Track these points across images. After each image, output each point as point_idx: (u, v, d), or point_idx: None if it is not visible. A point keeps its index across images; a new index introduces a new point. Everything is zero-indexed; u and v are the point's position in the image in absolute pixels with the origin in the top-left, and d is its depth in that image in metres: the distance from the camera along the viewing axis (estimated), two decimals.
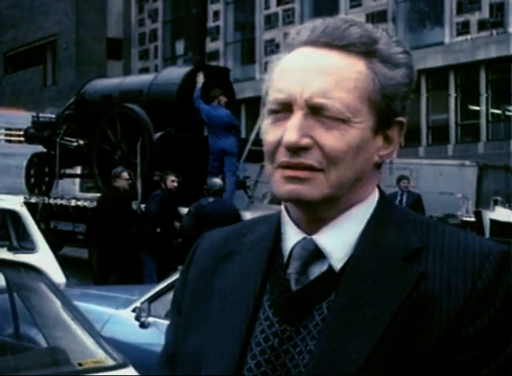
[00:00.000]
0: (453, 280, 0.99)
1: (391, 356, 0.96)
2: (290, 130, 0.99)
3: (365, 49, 1.02)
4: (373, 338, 0.97)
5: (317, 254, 1.04)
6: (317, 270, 1.04)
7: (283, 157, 1.01)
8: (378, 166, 1.06)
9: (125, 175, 8.98)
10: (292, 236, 1.06)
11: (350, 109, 1.00)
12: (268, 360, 1.02)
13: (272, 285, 1.06)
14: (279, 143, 1.02)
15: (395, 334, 0.97)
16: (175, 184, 8.88)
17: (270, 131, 1.03)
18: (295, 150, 1.00)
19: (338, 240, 1.04)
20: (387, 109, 1.03)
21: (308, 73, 1.01)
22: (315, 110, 1.00)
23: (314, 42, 1.03)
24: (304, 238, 1.05)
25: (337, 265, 1.03)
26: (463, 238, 1.03)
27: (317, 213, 1.04)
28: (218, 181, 8.56)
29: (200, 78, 9.98)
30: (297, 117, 1.00)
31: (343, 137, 1.00)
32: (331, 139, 1.00)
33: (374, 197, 1.07)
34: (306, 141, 1.00)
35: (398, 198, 10.64)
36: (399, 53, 1.04)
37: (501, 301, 0.98)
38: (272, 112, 1.03)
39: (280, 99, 1.02)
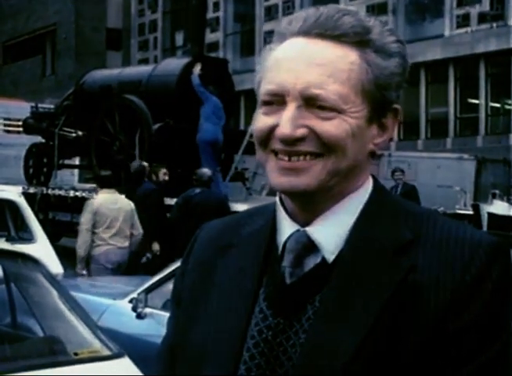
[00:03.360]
0: (442, 272, 0.99)
1: (380, 349, 0.97)
2: (285, 122, 0.99)
3: (359, 39, 1.01)
4: (361, 331, 0.97)
5: (310, 247, 1.04)
6: (311, 263, 1.04)
7: (277, 144, 1.01)
8: (372, 155, 1.06)
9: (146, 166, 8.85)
10: (286, 228, 1.06)
11: (344, 100, 1.00)
12: (262, 353, 1.02)
13: (267, 278, 1.06)
14: (271, 131, 1.01)
15: (383, 327, 0.97)
16: (166, 177, 8.83)
17: (262, 120, 1.03)
18: (290, 141, 1.00)
19: (331, 232, 1.04)
20: (382, 98, 1.03)
21: (301, 64, 1.00)
22: (309, 101, 1.00)
23: (306, 33, 1.02)
24: (298, 230, 1.05)
25: (330, 257, 1.03)
26: (454, 229, 1.03)
27: (311, 203, 1.04)
28: (207, 171, 8.51)
29: (197, 69, 9.97)
30: (290, 109, 1.00)
31: (339, 125, 1.00)
32: (328, 126, 0.99)
33: (368, 187, 1.07)
34: (301, 131, 1.00)
35: (393, 191, 10.68)
36: (392, 43, 1.04)
37: (490, 294, 0.98)
38: (265, 103, 1.03)
39: (273, 90, 1.01)
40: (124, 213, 7.24)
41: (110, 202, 7.23)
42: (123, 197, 7.58)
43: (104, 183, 7.60)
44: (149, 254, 8.06)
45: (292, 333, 1.02)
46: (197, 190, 8.08)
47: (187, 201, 8.01)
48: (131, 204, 7.42)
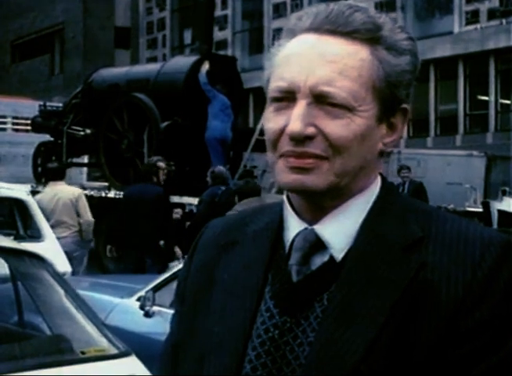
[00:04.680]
0: (453, 270, 0.97)
1: (391, 347, 0.95)
2: (294, 119, 0.98)
3: (370, 36, 1.00)
4: (372, 330, 0.96)
5: (318, 245, 1.03)
6: (318, 261, 1.03)
7: (286, 146, 1.00)
8: (381, 154, 1.05)
9: (161, 165, 8.63)
10: (294, 226, 1.05)
11: (355, 97, 0.98)
12: (268, 352, 1.01)
13: (273, 276, 1.05)
14: (281, 132, 1.00)
15: (394, 325, 0.96)
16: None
17: (272, 120, 1.02)
18: (300, 139, 0.98)
19: (339, 230, 1.02)
20: (392, 96, 1.02)
21: (311, 61, 0.99)
22: (319, 99, 0.98)
23: (317, 29, 1.01)
24: (306, 228, 1.04)
25: (339, 255, 1.02)
26: (464, 227, 1.02)
27: (319, 202, 1.03)
28: (223, 169, 8.56)
29: (205, 67, 9.98)
30: (300, 106, 0.99)
31: (348, 125, 0.98)
32: (336, 127, 0.98)
33: (376, 186, 1.05)
34: (311, 130, 0.98)
35: (400, 188, 10.65)
36: (403, 40, 1.02)
37: (501, 292, 0.97)
38: (275, 100, 1.02)
39: (283, 87, 1.00)
40: (62, 203, 7.24)
41: (49, 195, 7.30)
42: (67, 187, 7.65)
43: (49, 176, 7.71)
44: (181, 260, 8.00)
45: (299, 331, 1.00)
46: (223, 188, 8.06)
47: (213, 198, 7.99)
48: (74, 194, 7.45)
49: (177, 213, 8.87)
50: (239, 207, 6.66)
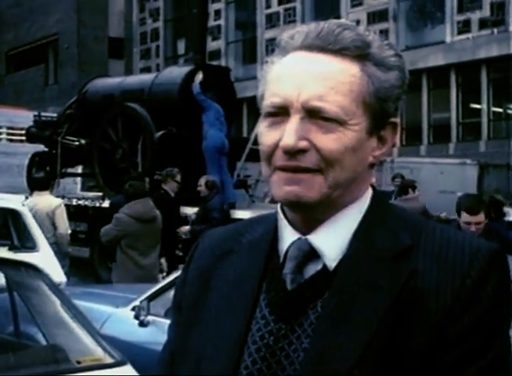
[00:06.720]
0: (442, 277, 1.00)
1: (383, 353, 0.98)
2: (288, 134, 1.01)
3: (359, 53, 1.04)
4: (365, 336, 0.98)
5: (312, 254, 1.06)
6: (312, 270, 1.05)
7: (280, 160, 1.03)
8: (372, 166, 1.08)
9: (178, 177, 8.57)
10: (288, 236, 1.08)
11: (346, 111, 1.02)
12: (264, 358, 1.03)
13: (268, 284, 1.08)
14: (276, 146, 1.03)
15: (386, 331, 0.98)
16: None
17: (267, 134, 1.05)
18: (293, 152, 1.01)
19: (332, 240, 1.05)
20: (381, 110, 1.05)
21: (303, 77, 1.03)
22: (311, 114, 1.02)
23: (308, 47, 1.05)
24: (299, 238, 1.06)
25: (332, 264, 1.05)
26: (453, 236, 1.05)
27: (312, 213, 1.06)
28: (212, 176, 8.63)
29: (199, 77, 10.00)
30: (294, 121, 1.02)
31: (339, 139, 1.02)
32: (328, 141, 1.02)
33: (367, 196, 1.09)
34: (303, 144, 1.01)
35: (394, 196, 10.60)
36: (391, 56, 1.06)
37: (489, 299, 0.99)
38: (269, 115, 1.05)
39: (277, 102, 1.04)
40: (38, 216, 7.15)
41: (30, 205, 7.27)
42: (48, 198, 7.61)
43: (33, 186, 7.71)
44: None
45: (294, 338, 1.03)
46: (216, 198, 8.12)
47: (223, 206, 8.04)
48: (51, 206, 7.39)
49: (186, 234, 8.43)
50: (126, 210, 6.82)
